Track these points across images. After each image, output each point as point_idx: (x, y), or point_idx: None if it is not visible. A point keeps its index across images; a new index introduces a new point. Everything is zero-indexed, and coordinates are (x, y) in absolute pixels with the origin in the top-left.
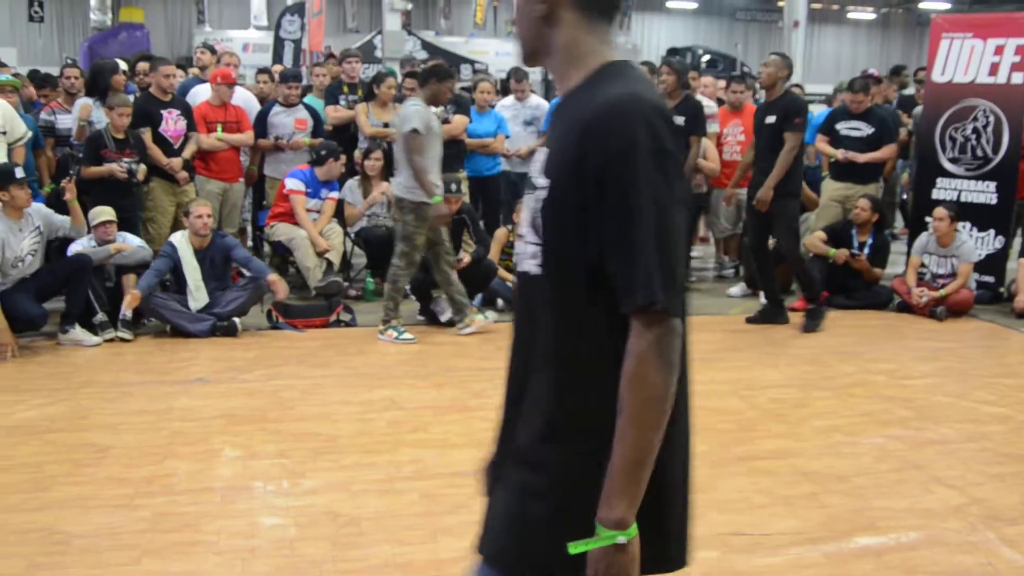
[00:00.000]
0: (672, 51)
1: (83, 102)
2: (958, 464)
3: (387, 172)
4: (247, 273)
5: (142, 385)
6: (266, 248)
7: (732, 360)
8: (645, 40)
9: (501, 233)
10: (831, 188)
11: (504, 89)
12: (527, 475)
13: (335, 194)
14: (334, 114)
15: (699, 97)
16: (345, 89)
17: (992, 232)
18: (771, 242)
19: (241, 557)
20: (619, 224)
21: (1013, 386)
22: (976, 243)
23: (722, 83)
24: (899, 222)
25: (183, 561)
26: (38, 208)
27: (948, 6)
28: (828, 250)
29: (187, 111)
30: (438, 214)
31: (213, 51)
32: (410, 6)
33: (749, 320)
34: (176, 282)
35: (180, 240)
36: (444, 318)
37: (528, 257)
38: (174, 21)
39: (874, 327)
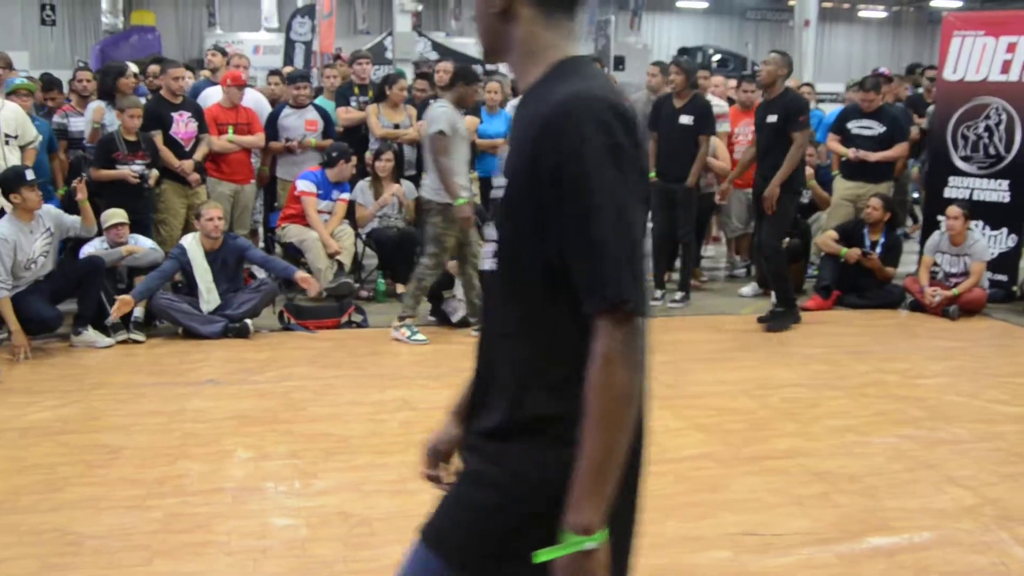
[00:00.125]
0: (683, 51)
1: (96, 105)
2: (971, 464)
3: (398, 173)
4: (259, 275)
5: (154, 386)
6: (277, 249)
7: (744, 360)
8: (656, 40)
9: None
10: (842, 187)
11: (515, 90)
12: (482, 465)
13: (346, 195)
14: (345, 115)
15: (709, 96)
16: (356, 90)
17: (1005, 230)
18: (785, 241)
19: (253, 558)
20: (578, 223)
21: None
22: (989, 242)
23: (733, 82)
24: (910, 221)
25: (195, 562)
26: (47, 209)
27: (960, 4)
28: (840, 249)
29: (198, 113)
30: (462, 216)
31: (224, 53)
32: (420, 7)
33: (761, 320)
34: (187, 284)
35: (191, 242)
36: (456, 319)
37: (490, 256)
38: (185, 24)
39: (886, 326)
